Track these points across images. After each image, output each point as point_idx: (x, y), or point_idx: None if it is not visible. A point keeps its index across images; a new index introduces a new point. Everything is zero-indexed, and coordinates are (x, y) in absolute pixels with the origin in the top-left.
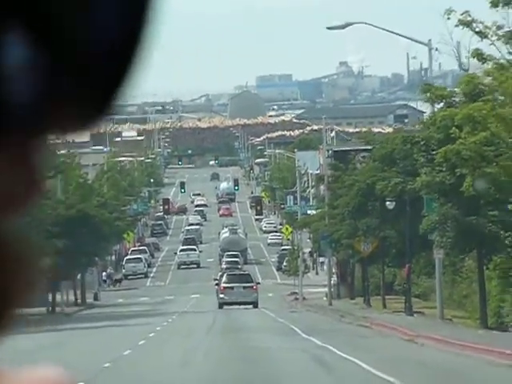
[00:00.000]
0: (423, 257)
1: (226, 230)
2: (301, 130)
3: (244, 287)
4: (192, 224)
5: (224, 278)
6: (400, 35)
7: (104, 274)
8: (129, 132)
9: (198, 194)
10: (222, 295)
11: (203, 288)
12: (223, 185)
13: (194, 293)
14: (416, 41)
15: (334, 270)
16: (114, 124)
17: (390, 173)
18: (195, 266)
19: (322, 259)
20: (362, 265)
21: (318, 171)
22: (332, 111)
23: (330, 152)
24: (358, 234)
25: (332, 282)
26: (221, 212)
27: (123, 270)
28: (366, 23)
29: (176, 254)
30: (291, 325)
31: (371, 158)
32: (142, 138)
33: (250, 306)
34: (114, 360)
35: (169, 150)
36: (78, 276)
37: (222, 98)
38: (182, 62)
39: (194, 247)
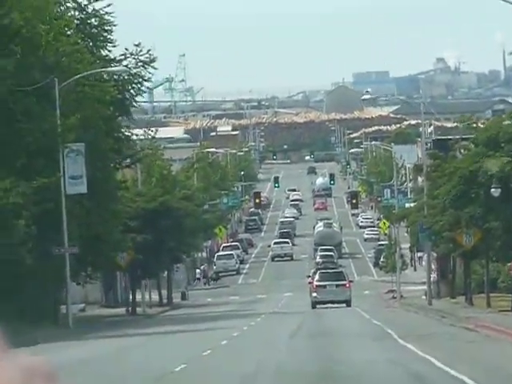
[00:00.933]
0: None
1: (320, 223)
2: (398, 125)
3: (337, 285)
4: (287, 217)
5: (316, 276)
6: None
7: (198, 271)
8: (223, 127)
9: (294, 190)
10: (314, 294)
11: (296, 285)
12: (319, 180)
13: (286, 291)
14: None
15: (433, 266)
16: (210, 119)
17: (495, 158)
18: (289, 258)
19: (419, 254)
20: (463, 260)
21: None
22: (429, 107)
23: (429, 145)
24: (460, 226)
25: (431, 279)
26: (316, 206)
27: (214, 267)
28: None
29: (270, 246)
30: (387, 328)
31: (474, 143)
32: (236, 132)
33: (344, 305)
34: (164, 375)
35: (263, 145)
36: (164, 274)
37: (318, 95)
38: (280, 60)
39: (287, 240)
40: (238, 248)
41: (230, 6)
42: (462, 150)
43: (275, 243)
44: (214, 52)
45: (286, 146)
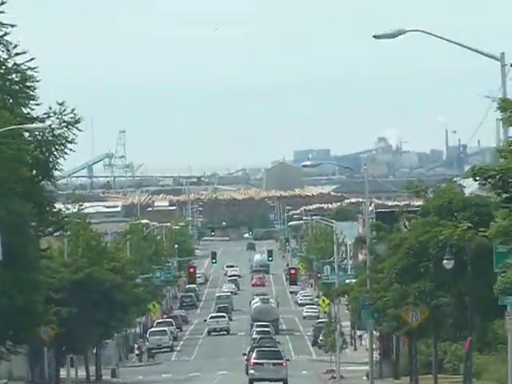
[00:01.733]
0: (479, 328)
1: (256, 299)
2: (338, 203)
3: (274, 364)
4: (224, 292)
5: (254, 354)
6: (465, 46)
7: (136, 346)
8: (161, 202)
9: (232, 266)
10: (251, 371)
11: (232, 363)
12: (257, 256)
13: (221, 369)
14: (485, 54)
15: (374, 346)
16: (148, 195)
17: (448, 227)
18: (225, 332)
19: (359, 333)
20: (409, 339)
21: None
22: (370, 185)
23: (371, 220)
24: (407, 302)
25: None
26: (253, 282)
27: (147, 343)
28: (422, 31)
29: (206, 320)
30: None
31: (424, 211)
32: (174, 207)
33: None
34: None
35: (202, 221)
36: (94, 350)
37: (259, 173)
38: (219, 137)
39: (223, 314)
40: (172, 324)
41: (170, 79)
42: (407, 223)
43: (211, 317)
44: (154, 128)
45: (224, 223)
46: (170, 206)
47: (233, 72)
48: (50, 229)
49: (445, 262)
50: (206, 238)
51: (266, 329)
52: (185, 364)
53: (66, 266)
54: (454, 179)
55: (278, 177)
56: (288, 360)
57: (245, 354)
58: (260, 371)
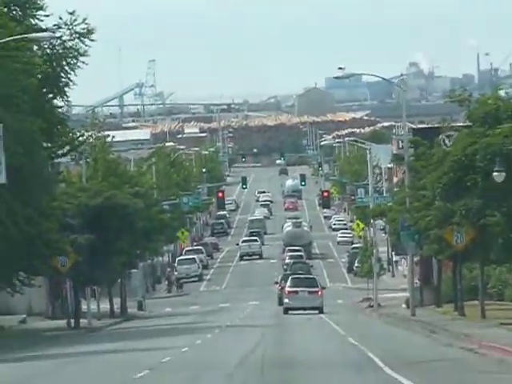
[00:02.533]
0: None
1: (289, 222)
2: (371, 128)
3: (309, 292)
4: (257, 217)
5: (288, 282)
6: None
7: (165, 275)
8: (191, 129)
9: (263, 192)
10: (286, 300)
11: (263, 293)
12: (289, 181)
13: (252, 299)
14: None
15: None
16: (178, 123)
17: (495, 137)
18: (257, 256)
19: (396, 258)
20: (453, 263)
21: (391, 165)
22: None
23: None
24: (452, 222)
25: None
26: (286, 206)
27: (175, 273)
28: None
29: (238, 245)
30: (368, 351)
31: (469, 120)
32: (204, 134)
33: (316, 312)
34: None
35: (232, 146)
36: (118, 280)
37: (290, 99)
38: (251, 66)
39: (256, 238)
40: (202, 252)
41: (197, 8)
42: (447, 140)
43: (243, 241)
44: (185, 57)
45: (255, 150)
46: (200, 132)
47: (265, 2)
48: (64, 150)
49: (495, 174)
50: (237, 164)
51: (299, 253)
52: (214, 294)
53: (84, 190)
54: (500, 87)
55: (309, 103)
56: (324, 288)
57: (277, 283)
58: (295, 300)
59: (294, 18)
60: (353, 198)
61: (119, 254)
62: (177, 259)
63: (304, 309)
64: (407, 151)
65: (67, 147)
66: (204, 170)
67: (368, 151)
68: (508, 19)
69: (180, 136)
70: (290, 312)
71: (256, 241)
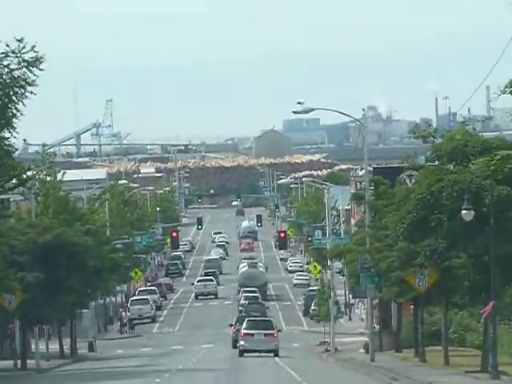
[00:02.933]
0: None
1: (244, 263)
2: (329, 170)
3: (265, 334)
4: (213, 257)
5: (244, 324)
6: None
7: (118, 316)
8: (147, 169)
9: (220, 232)
10: (242, 342)
11: (217, 335)
12: (244, 223)
13: (206, 342)
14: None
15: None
16: (135, 163)
17: (462, 174)
18: (213, 296)
19: (353, 301)
20: (414, 306)
21: (349, 206)
22: (360, 153)
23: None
24: (416, 263)
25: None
26: (242, 246)
27: (128, 313)
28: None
29: (193, 284)
30: None
31: (436, 155)
32: (160, 174)
33: (271, 355)
34: None
35: (188, 187)
36: (69, 320)
37: (247, 142)
38: (209, 107)
39: (211, 278)
40: (156, 293)
41: (158, 50)
42: (408, 180)
43: (199, 281)
44: (142, 97)
45: (212, 191)
46: (156, 172)
47: (223, 44)
48: (10, 185)
49: (464, 212)
50: (192, 205)
51: (254, 294)
52: (167, 336)
53: (32, 226)
54: (466, 122)
55: (267, 145)
56: (279, 330)
57: (231, 325)
58: (250, 342)
59: (253, 60)
60: (310, 239)
61: (68, 293)
62: (130, 299)
63: (259, 351)
64: (368, 190)
65: (14, 181)
66: (158, 209)
67: (326, 191)
68: (467, 61)
69: (136, 176)
70: (245, 354)
71: (211, 280)
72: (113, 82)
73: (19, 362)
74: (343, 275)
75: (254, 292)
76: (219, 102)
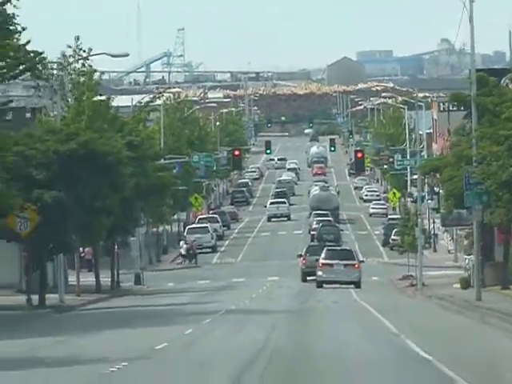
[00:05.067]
0: None
1: (316, 187)
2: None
3: (345, 265)
4: (285, 179)
5: (322, 254)
6: None
7: (183, 245)
8: (215, 94)
9: (283, 159)
10: (320, 272)
11: (285, 267)
12: (313, 149)
13: (271, 274)
14: None
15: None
16: (203, 90)
17: None
18: (285, 218)
19: (438, 231)
20: None
21: (431, 130)
22: (435, 83)
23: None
24: None
25: (467, 262)
26: (314, 171)
27: (187, 243)
28: None
29: (266, 207)
30: (435, 359)
31: None
32: (228, 99)
33: (352, 287)
34: None
35: (258, 113)
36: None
37: (320, 73)
38: (282, 38)
39: (284, 200)
40: (217, 221)
41: None
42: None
43: (271, 203)
44: (214, 27)
45: (283, 118)
46: (224, 98)
47: None
48: (17, 71)
49: None
50: (262, 133)
51: (327, 218)
52: (228, 267)
53: (54, 132)
54: None
55: (340, 72)
56: (362, 261)
57: (301, 256)
58: (330, 273)
59: None
60: (391, 160)
61: (100, 215)
62: (187, 227)
63: (339, 283)
64: (474, 83)
65: (21, 67)
66: (218, 124)
67: (405, 110)
68: None
69: (202, 101)
70: (324, 285)
71: (284, 203)
72: (184, 10)
73: (36, 297)
74: (422, 201)
75: (326, 216)
76: (292, 33)
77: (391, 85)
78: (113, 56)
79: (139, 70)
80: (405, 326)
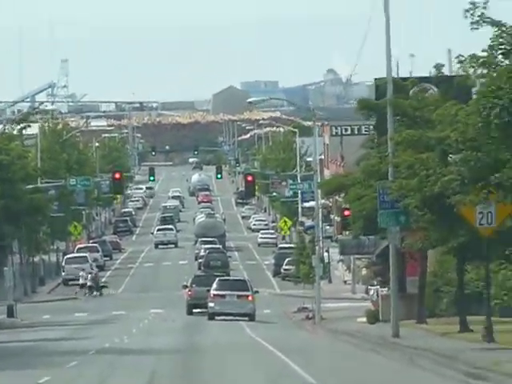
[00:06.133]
0: None
1: (201, 214)
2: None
3: (238, 296)
4: (170, 205)
5: (214, 284)
6: None
7: (82, 274)
8: (98, 122)
9: (151, 188)
10: (211, 304)
11: (169, 299)
12: (195, 176)
13: (155, 305)
14: None
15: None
16: (87, 120)
17: None
18: (173, 245)
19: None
20: (459, 259)
21: (322, 156)
22: (320, 114)
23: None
24: (486, 185)
25: (372, 293)
26: (200, 198)
27: (62, 273)
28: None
29: (153, 233)
30: None
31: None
32: (111, 128)
33: (246, 319)
34: None
35: (142, 142)
36: None
37: (205, 104)
38: (166, 71)
39: (171, 227)
40: (97, 251)
41: (114, 19)
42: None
43: (158, 230)
44: (98, 58)
45: (168, 147)
46: (108, 126)
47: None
48: None
49: None
50: (147, 162)
51: (215, 245)
52: (108, 299)
53: None
54: None
55: (226, 101)
56: (256, 292)
57: (186, 287)
58: (222, 304)
59: (206, 25)
60: (284, 183)
61: None
62: (65, 257)
63: (232, 315)
64: (390, 83)
65: None
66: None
67: (297, 133)
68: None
69: (85, 129)
70: (216, 318)
71: (171, 229)
72: (68, 41)
73: None
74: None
75: (213, 243)
76: (175, 66)
77: (278, 114)
78: None
79: (25, 100)
80: (323, 373)
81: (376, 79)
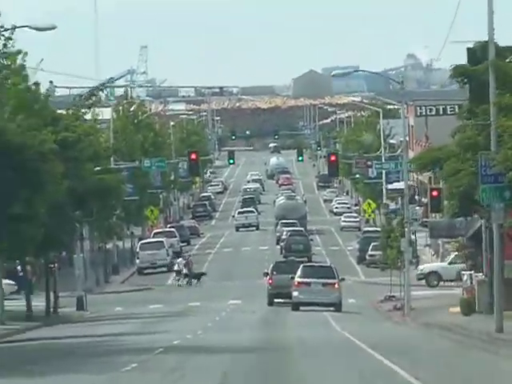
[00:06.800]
0: None
1: (281, 196)
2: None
3: (324, 284)
4: (250, 187)
5: (299, 271)
6: None
7: (180, 260)
8: (177, 106)
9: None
10: (296, 293)
11: (248, 289)
12: (273, 159)
13: (233, 296)
14: None
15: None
16: (165, 104)
17: None
18: (254, 228)
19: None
20: None
21: (407, 138)
22: (403, 97)
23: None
24: None
25: (466, 279)
26: (280, 181)
27: (137, 261)
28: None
29: (234, 216)
30: None
31: None
32: (191, 112)
33: (331, 309)
34: None
35: (222, 127)
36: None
37: (284, 89)
38: (247, 56)
39: (252, 209)
40: (174, 236)
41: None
42: None
43: (239, 212)
44: (178, 43)
45: (248, 132)
46: (187, 110)
47: None
48: None
49: None
50: (227, 147)
51: (296, 228)
52: (185, 289)
53: None
54: None
55: (306, 85)
56: (342, 279)
57: (267, 274)
58: (307, 293)
59: (290, 11)
60: (369, 163)
61: (21, 224)
62: (139, 243)
63: (317, 304)
64: (492, 43)
65: None
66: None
67: (380, 113)
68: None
69: (163, 113)
70: (300, 308)
71: (252, 212)
72: (147, 27)
73: None
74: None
75: (294, 225)
76: (257, 51)
77: (359, 99)
78: (38, 29)
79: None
80: (436, 379)
81: (469, 48)
